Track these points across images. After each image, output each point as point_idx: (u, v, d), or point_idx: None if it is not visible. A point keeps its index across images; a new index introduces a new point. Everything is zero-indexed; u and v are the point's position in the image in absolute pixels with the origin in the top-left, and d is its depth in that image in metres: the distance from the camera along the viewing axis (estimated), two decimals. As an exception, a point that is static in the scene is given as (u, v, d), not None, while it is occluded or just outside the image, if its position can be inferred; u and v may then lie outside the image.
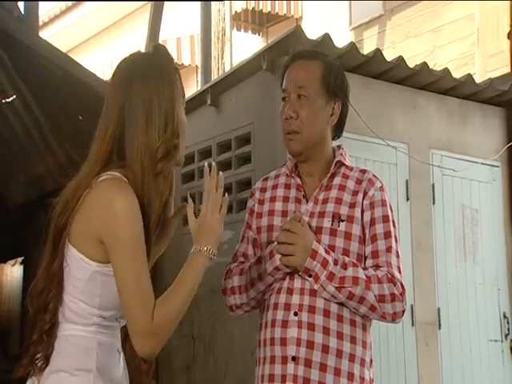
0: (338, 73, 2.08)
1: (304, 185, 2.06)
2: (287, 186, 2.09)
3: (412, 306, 3.86)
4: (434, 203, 4.15)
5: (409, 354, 3.90)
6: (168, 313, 1.54)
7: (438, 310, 4.06)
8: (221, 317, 3.85)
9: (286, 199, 2.07)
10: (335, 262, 1.91)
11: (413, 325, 3.90)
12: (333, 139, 2.12)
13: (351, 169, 2.07)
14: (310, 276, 1.92)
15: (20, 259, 7.22)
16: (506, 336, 4.32)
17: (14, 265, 8.48)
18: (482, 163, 4.38)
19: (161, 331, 1.53)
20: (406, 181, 4.03)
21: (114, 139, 1.63)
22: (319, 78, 2.04)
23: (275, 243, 1.96)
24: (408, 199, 4.01)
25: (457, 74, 4.45)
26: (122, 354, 1.65)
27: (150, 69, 1.66)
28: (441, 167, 4.19)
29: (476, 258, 4.28)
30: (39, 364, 1.58)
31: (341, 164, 2.07)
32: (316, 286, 1.91)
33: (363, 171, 2.07)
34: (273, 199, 2.08)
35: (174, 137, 1.64)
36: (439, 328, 4.05)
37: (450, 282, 4.14)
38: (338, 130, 2.12)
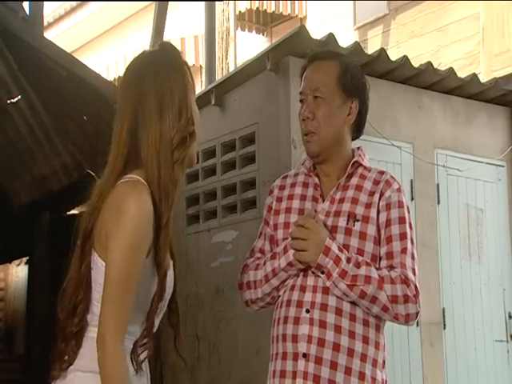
0: (354, 72, 2.08)
1: (322, 184, 2.08)
2: (305, 185, 2.10)
3: (417, 306, 3.85)
4: (438, 203, 4.14)
5: (413, 354, 3.89)
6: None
7: (443, 310, 4.05)
8: (225, 317, 3.84)
9: (303, 197, 2.08)
10: (348, 260, 1.92)
11: (417, 325, 3.89)
12: (353, 139, 2.12)
13: (369, 170, 2.08)
14: (322, 272, 1.93)
15: (25, 259, 7.23)
16: (512, 336, 4.31)
17: (18, 265, 8.49)
18: (487, 163, 4.37)
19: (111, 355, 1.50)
20: (411, 181, 4.02)
21: (131, 136, 1.61)
22: (335, 78, 2.04)
23: (289, 239, 1.97)
24: (413, 199, 4.00)
25: (462, 73, 4.45)
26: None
27: (160, 62, 1.66)
28: (446, 167, 4.18)
29: (481, 258, 4.27)
30: (64, 366, 1.58)
31: (358, 164, 2.07)
32: (328, 283, 1.92)
33: (381, 172, 2.07)
34: (290, 197, 2.10)
35: (189, 124, 1.64)
36: (444, 328, 4.04)
37: (455, 281, 4.13)
38: (357, 130, 2.12)
